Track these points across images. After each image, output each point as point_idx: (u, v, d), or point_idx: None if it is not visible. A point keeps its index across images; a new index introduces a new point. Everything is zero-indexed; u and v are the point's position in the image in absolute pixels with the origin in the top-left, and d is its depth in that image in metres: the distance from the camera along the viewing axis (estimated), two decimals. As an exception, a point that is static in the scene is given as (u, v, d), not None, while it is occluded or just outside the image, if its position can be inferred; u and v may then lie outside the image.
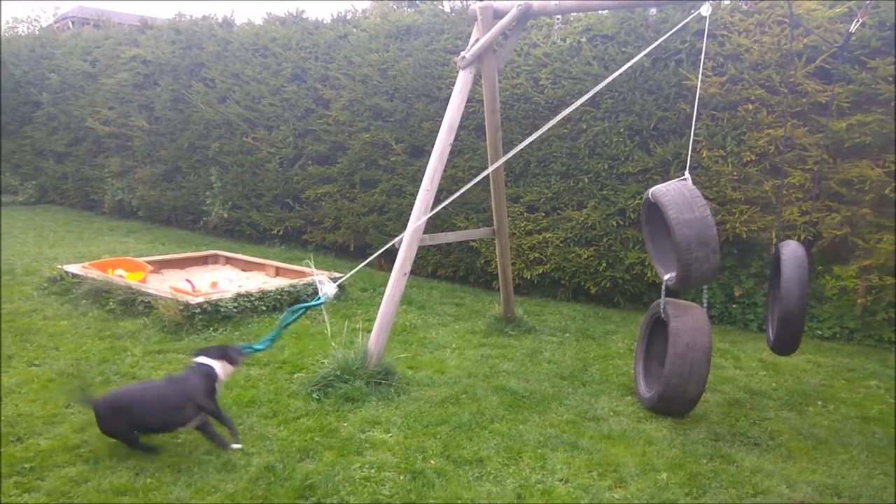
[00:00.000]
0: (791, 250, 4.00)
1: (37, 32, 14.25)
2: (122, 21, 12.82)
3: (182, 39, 10.31)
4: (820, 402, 4.75)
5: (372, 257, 4.88)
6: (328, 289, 4.07)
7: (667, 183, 4.19)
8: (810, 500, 3.42)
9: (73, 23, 22.26)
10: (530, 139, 4.61)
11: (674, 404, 4.26)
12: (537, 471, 3.55)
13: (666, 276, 4.29)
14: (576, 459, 3.69)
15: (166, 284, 6.45)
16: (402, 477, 3.40)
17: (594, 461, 3.67)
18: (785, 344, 4.08)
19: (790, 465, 3.80)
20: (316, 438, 3.72)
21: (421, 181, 4.86)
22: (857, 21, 4.15)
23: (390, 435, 3.85)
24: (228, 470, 3.37)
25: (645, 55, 5.39)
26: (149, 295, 5.74)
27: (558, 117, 4.66)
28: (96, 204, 12.03)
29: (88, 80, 11.59)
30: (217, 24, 10.11)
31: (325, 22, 9.04)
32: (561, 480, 3.46)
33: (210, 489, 3.17)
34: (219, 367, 3.64)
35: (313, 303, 4.11)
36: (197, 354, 3.71)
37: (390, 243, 4.69)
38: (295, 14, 9.32)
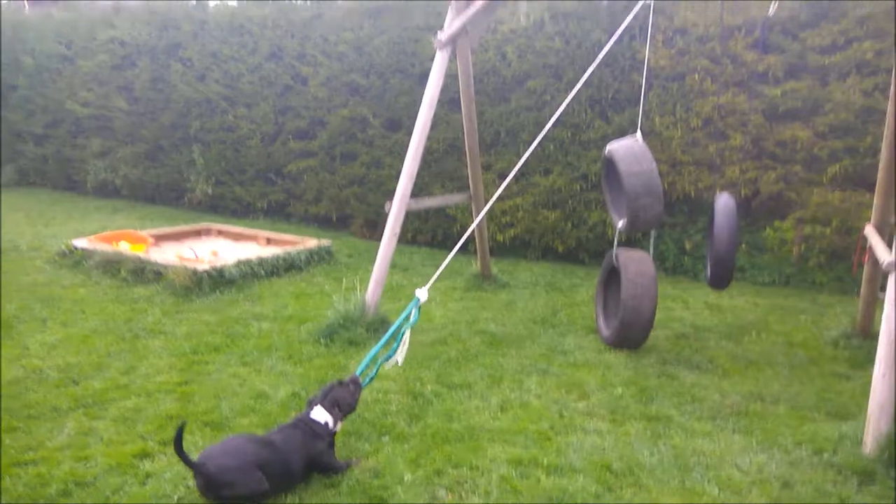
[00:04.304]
0: (723, 201, 4.74)
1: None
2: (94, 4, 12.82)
3: (157, 20, 10.57)
4: (754, 333, 5.55)
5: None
6: (421, 294, 4.17)
7: (620, 139, 4.86)
8: (738, 404, 4.19)
9: (28, 4, 21.65)
10: (536, 141, 4.70)
11: (632, 329, 4.84)
12: (515, 390, 4.26)
13: (619, 223, 4.99)
14: (547, 381, 4.41)
15: (172, 254, 6.96)
16: (405, 398, 4.08)
17: (562, 382, 4.40)
18: (719, 279, 4.85)
19: (724, 380, 4.57)
20: (329, 373, 4.37)
21: (398, 153, 5.46)
22: (773, 6, 4.82)
23: (391, 369, 4.51)
24: (262, 396, 4.01)
25: (604, 46, 6.00)
26: (157, 264, 6.26)
27: (554, 117, 4.69)
28: (78, 184, 12.26)
29: (65, 62, 11.73)
30: (191, 7, 10.37)
31: (298, 2, 9.42)
32: (535, 396, 4.18)
33: (248, 411, 3.80)
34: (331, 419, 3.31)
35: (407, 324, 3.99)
36: (310, 404, 3.35)
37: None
38: (270, -6, 9.66)
